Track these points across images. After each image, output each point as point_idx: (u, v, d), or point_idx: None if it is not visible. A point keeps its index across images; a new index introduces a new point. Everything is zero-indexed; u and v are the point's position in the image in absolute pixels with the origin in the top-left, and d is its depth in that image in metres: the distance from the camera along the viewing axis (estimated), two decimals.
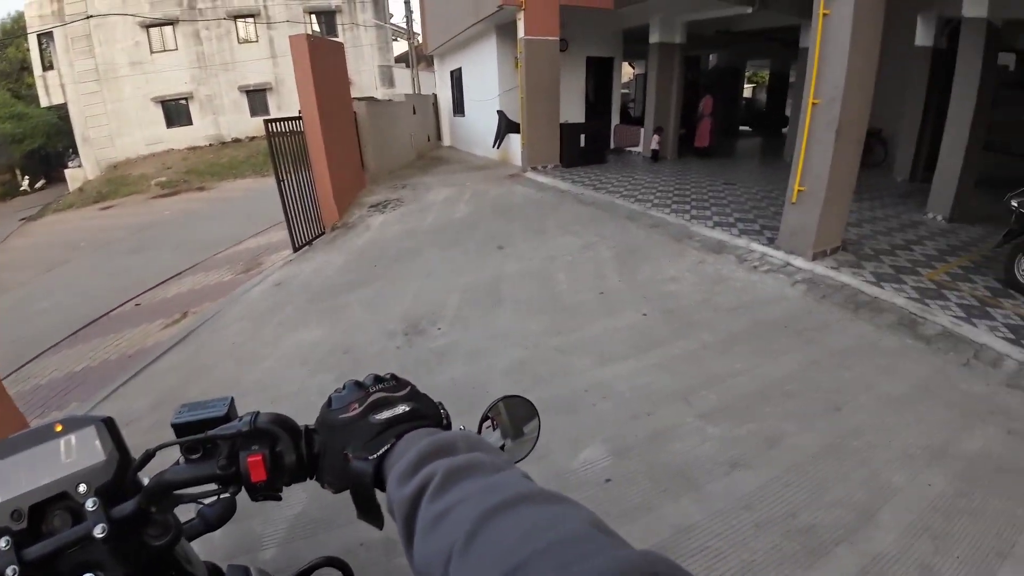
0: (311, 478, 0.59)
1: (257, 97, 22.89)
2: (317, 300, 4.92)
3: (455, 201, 8.13)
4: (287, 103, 21.88)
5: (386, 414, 0.56)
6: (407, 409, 0.57)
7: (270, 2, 22.19)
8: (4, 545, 0.54)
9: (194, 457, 0.58)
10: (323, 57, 7.64)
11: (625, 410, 2.90)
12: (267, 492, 0.57)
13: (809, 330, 3.68)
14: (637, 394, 3.03)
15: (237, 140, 22.16)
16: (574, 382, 3.20)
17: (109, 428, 0.63)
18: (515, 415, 0.71)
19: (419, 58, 20.25)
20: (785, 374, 3.15)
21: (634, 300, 4.26)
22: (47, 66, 21.51)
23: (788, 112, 14.50)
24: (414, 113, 14.38)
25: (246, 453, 0.56)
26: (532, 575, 0.31)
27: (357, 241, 6.70)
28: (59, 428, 0.62)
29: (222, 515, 0.68)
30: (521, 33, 9.16)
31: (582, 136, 10.31)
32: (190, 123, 22.34)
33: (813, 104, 4.51)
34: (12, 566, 0.52)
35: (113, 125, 21.43)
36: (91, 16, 19.96)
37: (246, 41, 22.44)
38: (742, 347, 3.47)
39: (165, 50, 21.65)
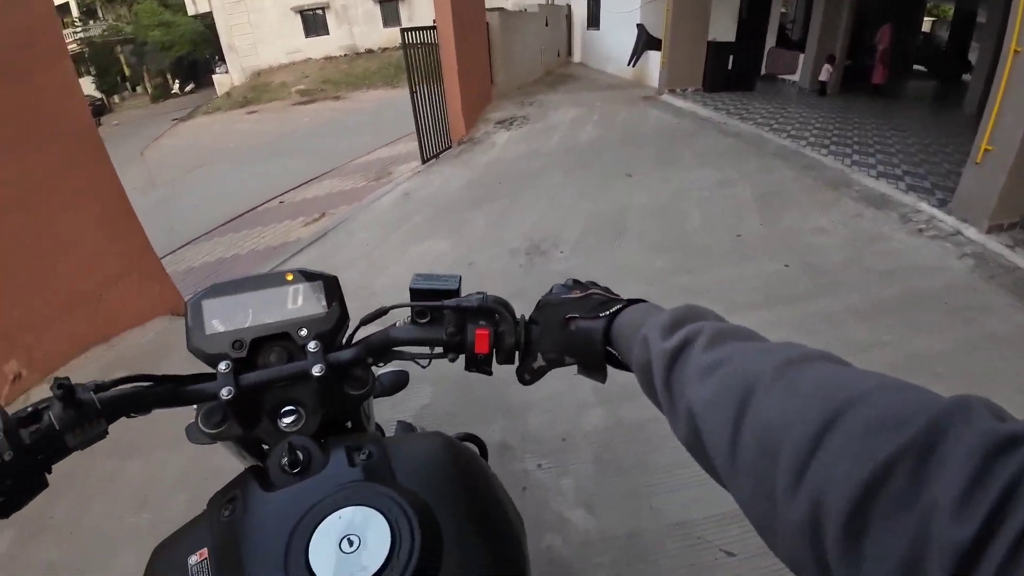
0: (519, 363, 0.63)
1: (390, 7, 23.01)
2: (443, 213, 5.00)
3: (583, 122, 7.80)
4: (419, 14, 21.81)
5: (602, 297, 0.60)
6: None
7: None
8: (224, 368, 0.59)
9: (422, 321, 0.65)
10: None
11: None
12: (482, 366, 0.63)
13: (970, 309, 3.16)
14: None
15: (370, 51, 22.63)
16: None
17: (333, 285, 0.67)
18: None
19: None
20: (935, 353, 2.75)
21: (775, 248, 3.88)
22: None
23: (972, 57, 12.13)
24: (546, 25, 13.78)
25: (474, 326, 0.62)
26: (864, 409, 0.29)
27: (482, 158, 6.68)
28: (289, 277, 0.67)
29: (396, 384, 0.75)
30: None
31: (730, 58, 9.32)
32: (327, 33, 23.05)
33: (1015, 52, 3.68)
34: (228, 387, 0.57)
35: (256, 34, 22.60)
36: None
37: None
38: (891, 317, 3.07)
39: None
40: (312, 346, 0.61)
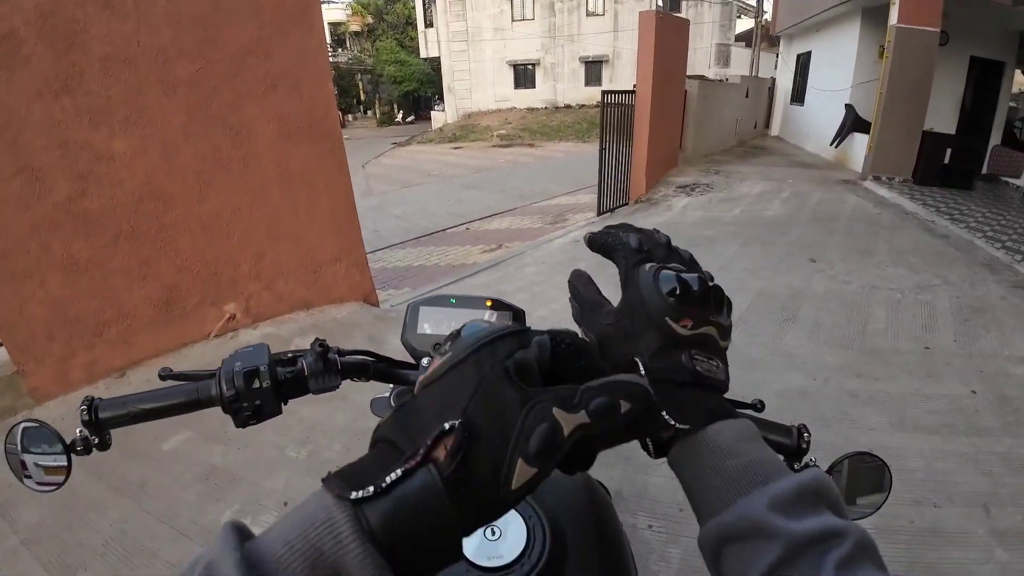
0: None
1: (593, 68, 24.43)
2: (608, 264, 5.17)
3: (770, 198, 7.57)
4: (619, 76, 22.82)
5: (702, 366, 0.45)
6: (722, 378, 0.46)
7: None
8: (426, 363, 0.71)
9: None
10: (667, 34, 7.76)
11: (915, 491, 2.45)
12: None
13: None
14: (930, 479, 2.51)
15: (568, 106, 24.15)
16: (859, 437, 2.79)
17: (521, 319, 0.77)
18: (858, 478, 0.62)
19: (763, 38, 18.89)
20: None
21: (965, 370, 3.43)
22: (428, 24, 26.46)
23: None
24: (746, 96, 13.62)
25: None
26: None
27: (656, 218, 6.81)
28: (489, 303, 0.77)
29: None
30: (893, 19, 7.86)
31: (947, 151, 8.42)
32: (533, 86, 25.15)
33: None
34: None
35: (472, 81, 25.47)
36: None
37: (593, 14, 23.96)
38: None
39: (524, 19, 24.60)
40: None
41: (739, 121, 13.22)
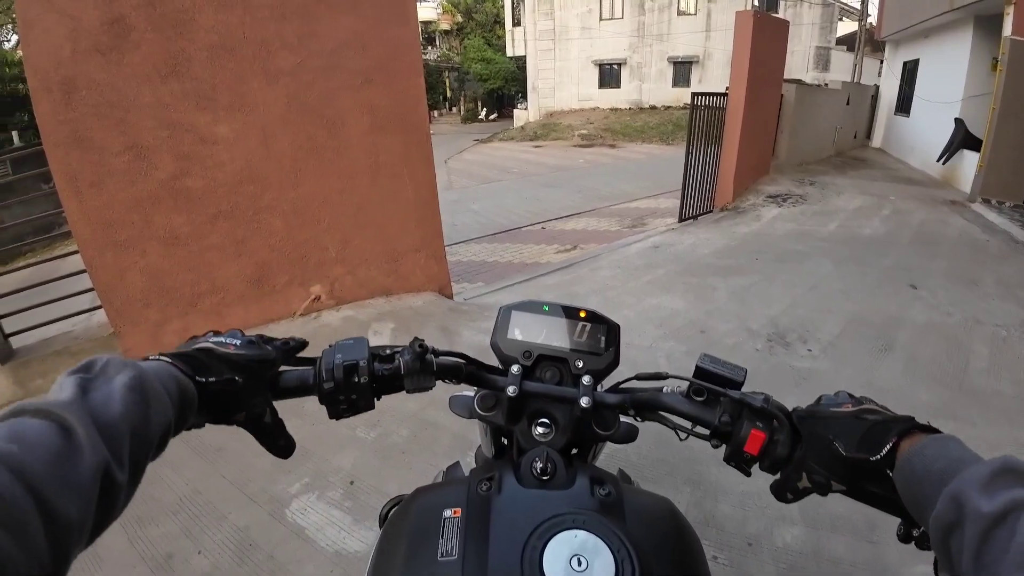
0: (781, 477, 0.61)
1: (682, 69, 23.71)
2: (687, 273, 5.01)
3: (869, 214, 7.03)
4: (709, 77, 22.05)
5: (877, 417, 0.56)
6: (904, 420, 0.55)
7: None
8: (516, 371, 0.72)
9: (698, 399, 0.66)
10: (764, 35, 7.38)
11: None
12: (743, 464, 0.62)
13: None
14: None
15: (653, 107, 23.60)
16: None
17: (614, 333, 0.78)
18: None
19: (866, 42, 17.61)
20: None
21: None
22: (516, 22, 26.53)
23: None
24: (847, 104, 12.75)
25: (750, 424, 0.61)
26: None
27: (743, 228, 6.49)
28: (582, 314, 0.79)
29: (627, 436, 0.75)
30: (1007, 31, 7.11)
31: None
32: (618, 86, 24.74)
33: None
34: (514, 386, 0.69)
35: (557, 79, 25.38)
36: None
37: (684, 13, 23.21)
38: None
39: (612, 18, 24.19)
40: (586, 380, 0.71)
41: (838, 130, 12.39)
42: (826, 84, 13.65)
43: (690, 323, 3.96)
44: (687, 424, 0.67)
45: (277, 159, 3.48)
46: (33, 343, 3.38)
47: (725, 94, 7.19)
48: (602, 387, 0.76)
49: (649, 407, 0.69)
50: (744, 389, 0.65)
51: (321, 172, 3.64)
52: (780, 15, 19.71)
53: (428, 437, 2.63)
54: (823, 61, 22.23)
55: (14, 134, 17.09)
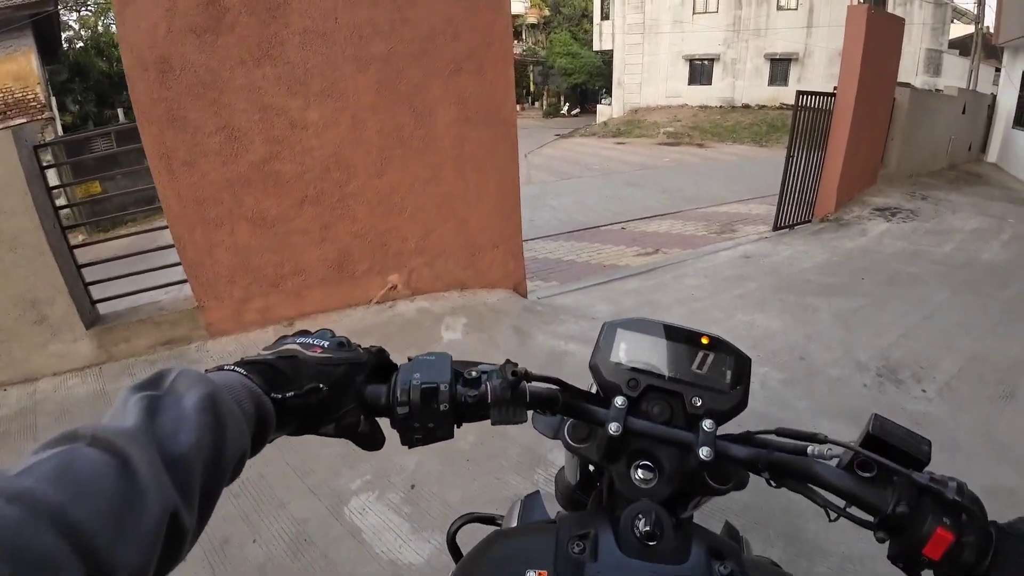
0: None
1: (779, 66, 22.31)
2: (783, 289, 4.60)
3: (988, 237, 6.24)
4: (809, 76, 20.70)
5: None
6: None
7: None
8: (620, 404, 0.60)
9: (863, 474, 0.53)
10: (878, 33, 6.70)
11: None
12: (916, 566, 0.49)
13: None
14: None
15: (746, 106, 22.37)
16: None
17: (744, 367, 0.64)
18: None
19: (980, 47, 15.88)
20: None
21: None
22: (604, 16, 25.84)
23: None
24: (963, 113, 11.53)
25: (935, 520, 0.48)
26: None
27: (847, 243, 5.93)
28: (705, 340, 0.65)
29: (737, 486, 0.64)
30: None
31: None
32: (709, 83, 23.59)
33: None
34: (618, 423, 0.58)
35: (644, 75, 24.50)
36: None
37: (784, 8, 21.77)
38: None
39: (706, 12, 23.00)
40: (707, 425, 0.58)
41: (952, 141, 11.20)
42: (938, 90, 12.37)
43: (787, 347, 3.60)
44: (840, 502, 0.54)
45: (365, 147, 3.46)
46: (120, 310, 3.54)
47: (833, 94, 6.60)
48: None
49: (792, 474, 0.56)
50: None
51: (407, 161, 3.60)
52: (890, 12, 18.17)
53: (496, 447, 2.50)
54: (934, 65, 20.28)
55: (119, 111, 18.57)
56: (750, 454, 0.57)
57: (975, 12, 16.50)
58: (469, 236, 3.92)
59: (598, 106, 27.75)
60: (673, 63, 24.01)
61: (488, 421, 0.56)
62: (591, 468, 0.73)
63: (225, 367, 0.48)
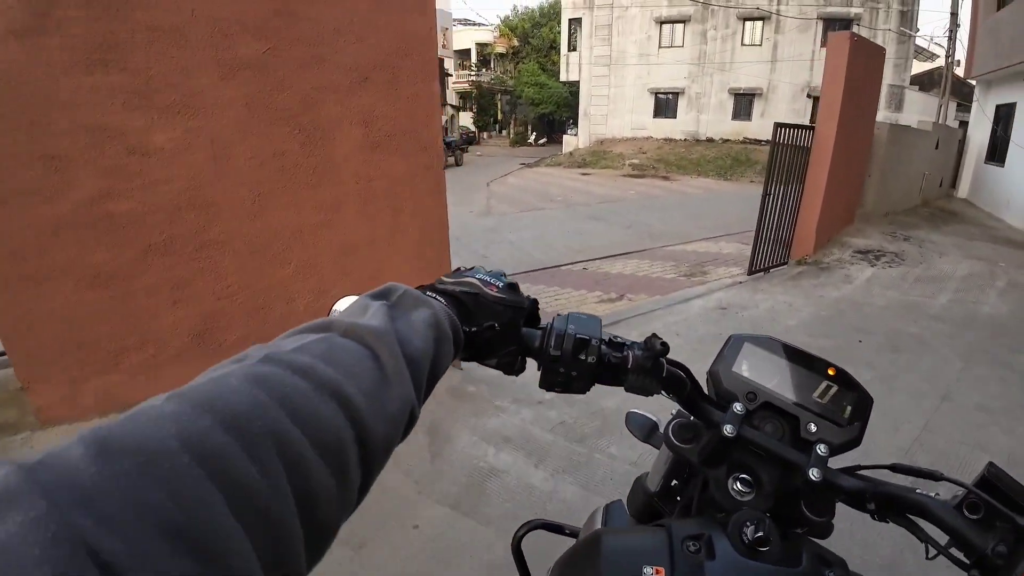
0: None
1: (743, 101, 22.48)
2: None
3: (982, 285, 5.70)
4: (773, 111, 20.87)
5: None
6: None
7: (783, 7, 21.00)
8: (738, 409, 0.60)
9: (971, 516, 0.53)
10: (860, 63, 6.25)
11: None
12: None
13: None
14: None
15: (710, 139, 22.34)
16: None
17: (865, 405, 0.62)
18: None
19: (937, 82, 16.20)
20: None
21: None
22: (571, 48, 25.76)
23: None
24: (936, 148, 11.35)
25: None
26: None
27: (832, 292, 5.28)
28: (831, 372, 0.64)
29: (823, 532, 0.58)
30: None
31: None
32: (674, 116, 23.56)
33: None
34: (732, 427, 0.58)
35: (610, 107, 24.35)
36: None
37: (749, 44, 22.03)
38: None
39: (672, 46, 23.07)
40: (822, 449, 0.57)
41: (926, 177, 10.99)
42: (914, 126, 12.27)
43: None
44: (942, 539, 0.54)
45: (231, 180, 2.60)
46: None
47: (811, 127, 6.07)
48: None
49: (902, 508, 0.56)
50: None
51: (293, 199, 2.75)
52: None
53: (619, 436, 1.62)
54: (896, 100, 20.61)
55: None
56: (858, 486, 0.57)
57: (945, 46, 16.71)
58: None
59: (564, 136, 27.54)
60: (639, 96, 23.95)
61: (621, 389, 0.59)
62: (674, 483, 0.72)
63: (428, 293, 0.52)
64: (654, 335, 0.59)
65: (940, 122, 13.86)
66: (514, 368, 0.59)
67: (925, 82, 21.57)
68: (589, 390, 0.58)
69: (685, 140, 22.75)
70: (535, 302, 0.61)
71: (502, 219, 10.65)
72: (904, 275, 5.84)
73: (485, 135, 37.56)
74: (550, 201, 12.97)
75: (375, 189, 2.86)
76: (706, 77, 22.78)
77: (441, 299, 0.51)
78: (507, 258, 7.51)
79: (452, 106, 31.25)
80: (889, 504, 0.56)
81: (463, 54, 38.47)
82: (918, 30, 20.88)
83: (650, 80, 23.56)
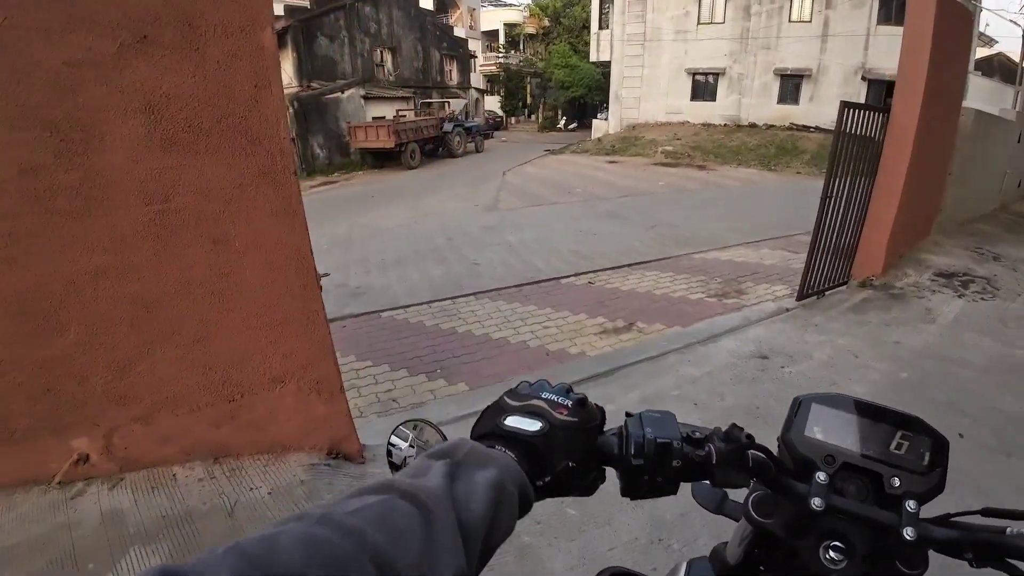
0: None
1: (789, 83, 20.44)
2: None
3: None
4: (823, 96, 19.01)
5: None
6: None
7: None
8: (823, 480, 0.57)
9: None
10: (947, 27, 4.78)
11: None
12: None
13: None
14: None
15: (753, 125, 20.47)
16: None
17: (942, 450, 0.60)
18: None
19: (997, 69, 14.16)
20: None
21: None
22: (603, 25, 23.97)
23: None
24: (1019, 141, 9.61)
25: None
26: None
27: (909, 336, 3.91)
28: (901, 420, 0.62)
29: None
30: None
31: None
32: (713, 99, 21.68)
33: None
34: (821, 499, 0.55)
35: (643, 89, 22.49)
36: None
37: (797, 20, 19.89)
38: None
39: (712, 22, 21.03)
40: (911, 505, 0.56)
41: (1007, 175, 9.31)
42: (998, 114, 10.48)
43: None
44: None
45: None
46: None
47: (884, 109, 4.72)
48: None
49: (1000, 552, 0.53)
50: None
51: (56, 237, 1.72)
52: None
53: None
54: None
55: None
56: (952, 536, 0.56)
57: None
58: (215, 368, 2.04)
59: (594, 121, 25.95)
60: (675, 77, 22.09)
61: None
62: (756, 550, 0.66)
63: (497, 446, 0.50)
64: (734, 425, 0.58)
65: (1020, 109, 11.96)
66: (593, 488, 0.57)
67: (987, 69, 19.30)
68: (677, 491, 0.56)
69: (725, 125, 20.91)
70: (603, 412, 0.58)
71: (507, 216, 9.52)
72: (1001, 312, 4.41)
73: (513, 120, 36.27)
74: (567, 194, 11.73)
75: (176, 211, 1.79)
76: (749, 56, 20.73)
77: (509, 451, 0.49)
78: (499, 264, 6.41)
79: (477, 90, 29.96)
80: (987, 551, 0.54)
81: (491, 35, 37.11)
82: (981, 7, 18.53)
83: (687, 60, 21.64)
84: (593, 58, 25.37)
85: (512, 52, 35.68)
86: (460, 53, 26.45)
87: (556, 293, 5.35)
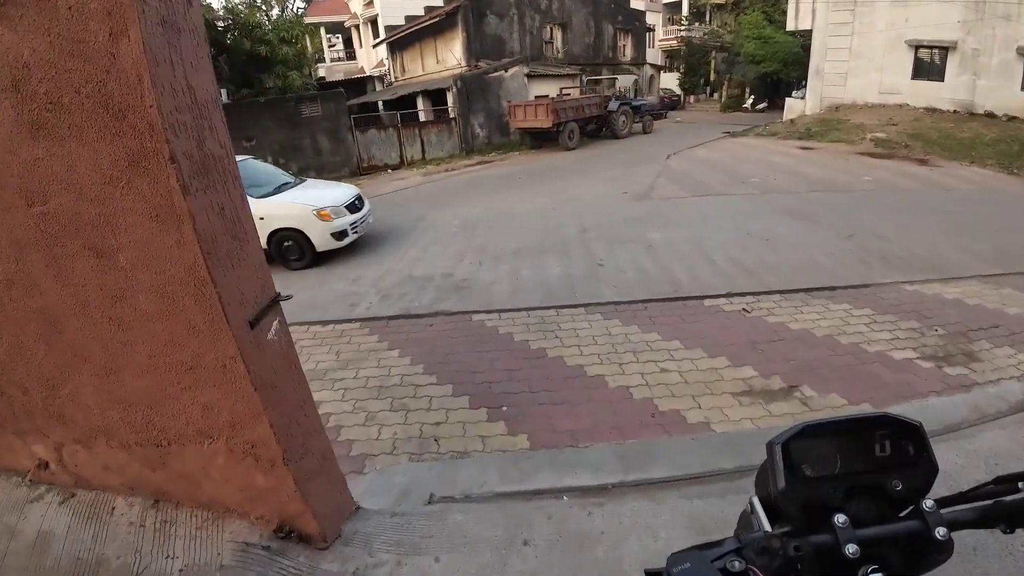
0: None
1: None
2: None
3: None
4: None
5: None
6: None
7: None
8: (842, 522, 0.58)
9: None
10: None
11: None
12: None
13: None
14: None
15: (990, 115, 16.14)
16: None
17: (920, 436, 0.63)
18: None
19: None
20: None
21: None
22: None
23: None
24: None
25: None
26: None
27: None
28: (871, 423, 0.64)
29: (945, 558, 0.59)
30: None
31: None
32: (940, 79, 17.51)
33: None
34: (854, 545, 0.56)
35: (851, 63, 19.00)
36: None
37: None
38: None
39: None
40: (929, 505, 0.59)
41: None
42: None
43: None
44: None
45: None
46: None
47: None
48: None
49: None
50: None
51: None
52: None
53: None
54: None
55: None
56: (979, 513, 0.59)
57: None
58: (136, 407, 1.61)
59: (787, 100, 22.65)
60: (892, 49, 18.12)
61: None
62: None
63: None
64: (770, 533, 0.59)
65: None
66: None
67: None
68: None
69: (954, 112, 16.77)
70: None
71: (659, 207, 8.32)
72: None
73: (692, 99, 33.53)
74: (740, 184, 10.04)
75: (55, 214, 1.29)
76: (986, 28, 16.10)
77: None
78: (627, 268, 5.42)
79: (653, 66, 27.93)
80: (1014, 515, 0.58)
81: (673, 7, 34.38)
82: None
83: (908, 29, 17.59)
84: (791, 27, 21.98)
85: (696, 24, 32.75)
86: (636, 27, 24.79)
87: (693, 319, 4.25)
